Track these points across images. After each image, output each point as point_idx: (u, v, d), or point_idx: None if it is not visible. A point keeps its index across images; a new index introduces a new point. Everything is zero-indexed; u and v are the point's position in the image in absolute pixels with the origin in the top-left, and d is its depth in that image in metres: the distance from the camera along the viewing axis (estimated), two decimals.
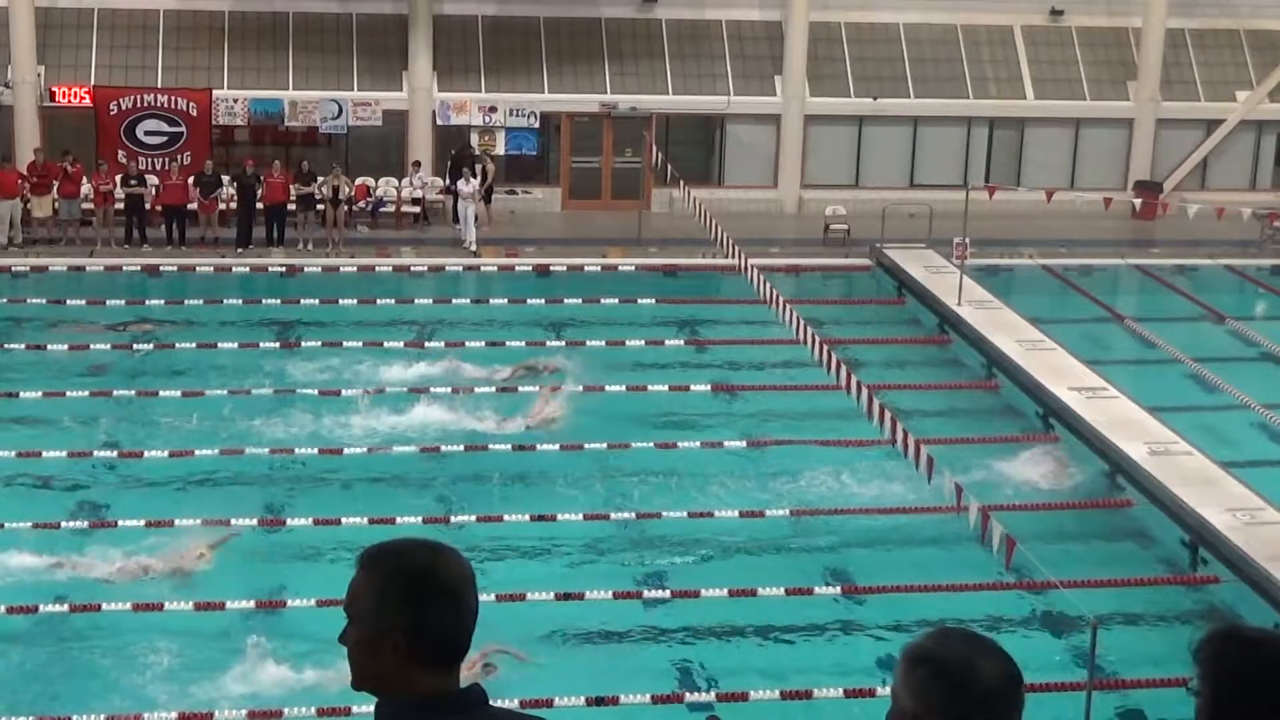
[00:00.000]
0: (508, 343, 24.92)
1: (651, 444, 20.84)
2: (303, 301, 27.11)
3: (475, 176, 31.65)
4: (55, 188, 30.60)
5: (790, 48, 35.12)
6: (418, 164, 33.23)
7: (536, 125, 34.52)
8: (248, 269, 29.59)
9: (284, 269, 29.57)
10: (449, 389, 22.77)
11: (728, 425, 21.94)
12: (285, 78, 33.93)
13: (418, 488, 19.73)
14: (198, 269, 29.34)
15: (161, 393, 22.43)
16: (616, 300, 27.36)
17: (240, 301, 27.32)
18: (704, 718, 13.80)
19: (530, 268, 30.02)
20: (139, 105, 31.99)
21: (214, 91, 32.80)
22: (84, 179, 30.78)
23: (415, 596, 3.11)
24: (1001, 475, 20.15)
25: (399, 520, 17.96)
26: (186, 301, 27.12)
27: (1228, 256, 31.89)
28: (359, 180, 32.97)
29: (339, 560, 16.80)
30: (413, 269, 29.92)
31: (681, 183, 29.13)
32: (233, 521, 18.05)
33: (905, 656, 3.05)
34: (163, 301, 27.08)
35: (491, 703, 3.23)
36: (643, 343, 25.24)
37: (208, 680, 14.83)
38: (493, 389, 22.91)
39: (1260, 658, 3.07)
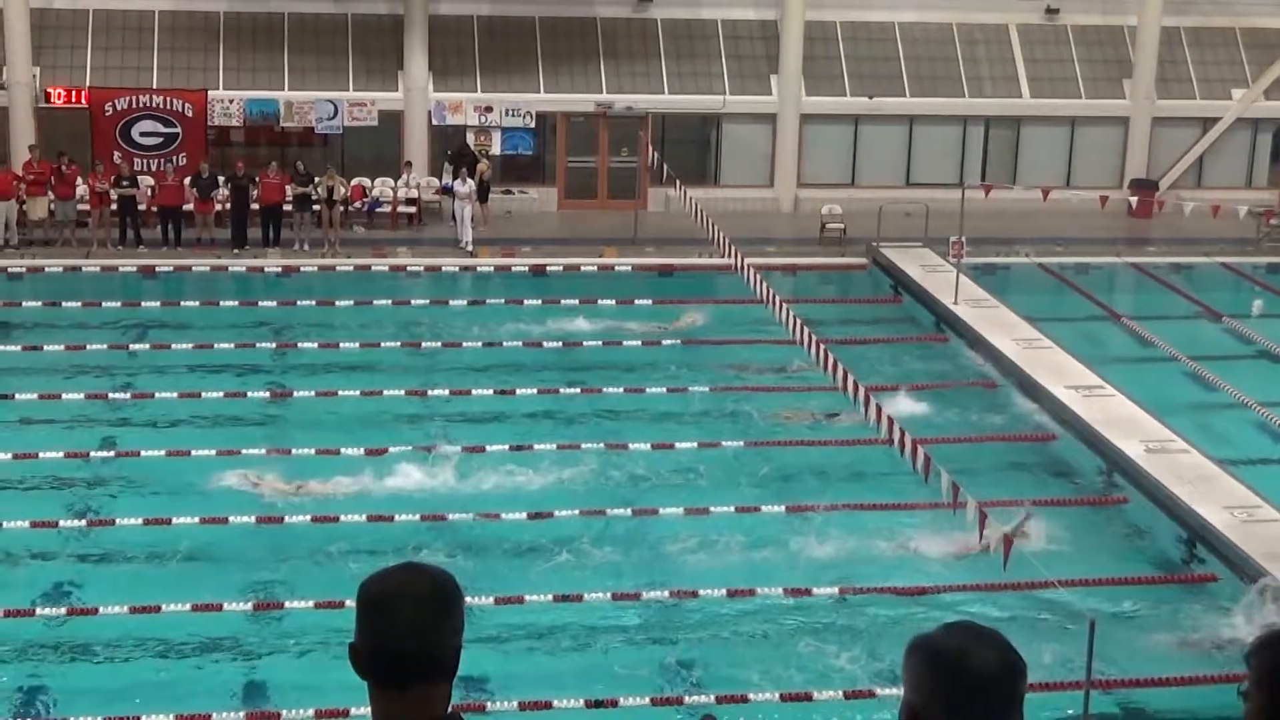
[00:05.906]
0: (504, 343, 24.93)
1: (648, 445, 20.83)
2: (299, 302, 27.07)
3: (473, 176, 31.65)
4: (51, 189, 30.57)
5: (786, 47, 35.12)
6: (409, 164, 33.21)
7: (532, 125, 34.52)
8: (244, 269, 29.59)
9: (280, 269, 29.56)
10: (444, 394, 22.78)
11: (723, 424, 21.91)
12: (281, 78, 33.90)
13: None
14: (194, 269, 29.33)
15: (157, 394, 22.44)
16: (613, 300, 27.33)
17: (236, 303, 27.27)
18: (699, 717, 13.77)
19: (526, 268, 30.00)
20: (134, 106, 31.97)
21: (209, 92, 32.79)
22: (79, 180, 30.75)
23: (361, 613, 3.22)
24: (998, 473, 20.13)
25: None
26: (182, 303, 27.09)
27: (1224, 254, 31.89)
28: (354, 180, 32.95)
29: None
30: (409, 269, 29.88)
31: (677, 182, 29.10)
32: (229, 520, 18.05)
33: (907, 647, 3.06)
34: (159, 303, 27.04)
35: None
36: (639, 343, 25.22)
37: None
38: (490, 391, 22.88)
39: None
